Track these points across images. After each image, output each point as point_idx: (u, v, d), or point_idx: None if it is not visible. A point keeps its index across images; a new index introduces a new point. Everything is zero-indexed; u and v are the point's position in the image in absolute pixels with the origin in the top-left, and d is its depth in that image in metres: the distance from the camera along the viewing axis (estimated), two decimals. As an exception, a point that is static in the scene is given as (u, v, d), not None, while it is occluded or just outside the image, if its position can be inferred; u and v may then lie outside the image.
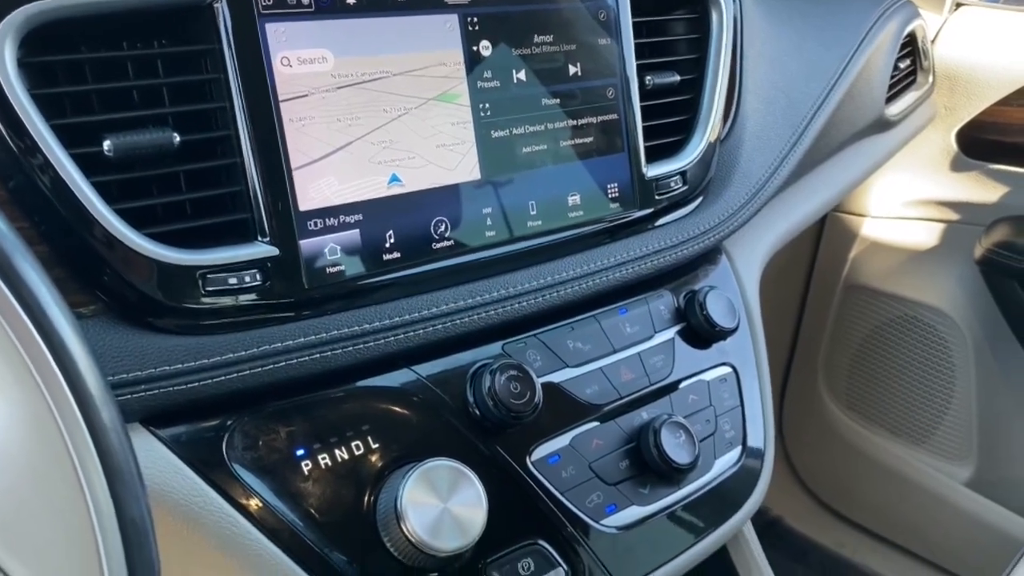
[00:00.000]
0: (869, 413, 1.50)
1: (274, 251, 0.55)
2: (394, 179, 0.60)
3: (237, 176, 0.54)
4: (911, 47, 1.16)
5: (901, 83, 1.17)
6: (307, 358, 0.56)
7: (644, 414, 0.69)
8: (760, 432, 0.76)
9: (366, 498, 0.56)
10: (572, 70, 0.68)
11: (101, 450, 0.31)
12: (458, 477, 0.56)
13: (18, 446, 0.30)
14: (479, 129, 0.63)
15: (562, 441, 0.65)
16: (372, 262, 0.59)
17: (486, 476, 0.58)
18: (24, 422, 0.30)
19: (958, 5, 1.28)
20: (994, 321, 1.35)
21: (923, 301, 1.38)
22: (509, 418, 0.61)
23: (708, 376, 0.75)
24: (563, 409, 0.66)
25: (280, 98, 0.55)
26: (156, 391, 0.51)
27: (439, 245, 0.62)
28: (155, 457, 0.52)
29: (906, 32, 1.10)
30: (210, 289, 0.53)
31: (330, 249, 0.57)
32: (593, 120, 0.69)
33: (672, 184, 0.75)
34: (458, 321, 0.62)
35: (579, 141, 0.69)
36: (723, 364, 0.76)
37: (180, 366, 0.52)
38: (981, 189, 1.33)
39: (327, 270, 0.57)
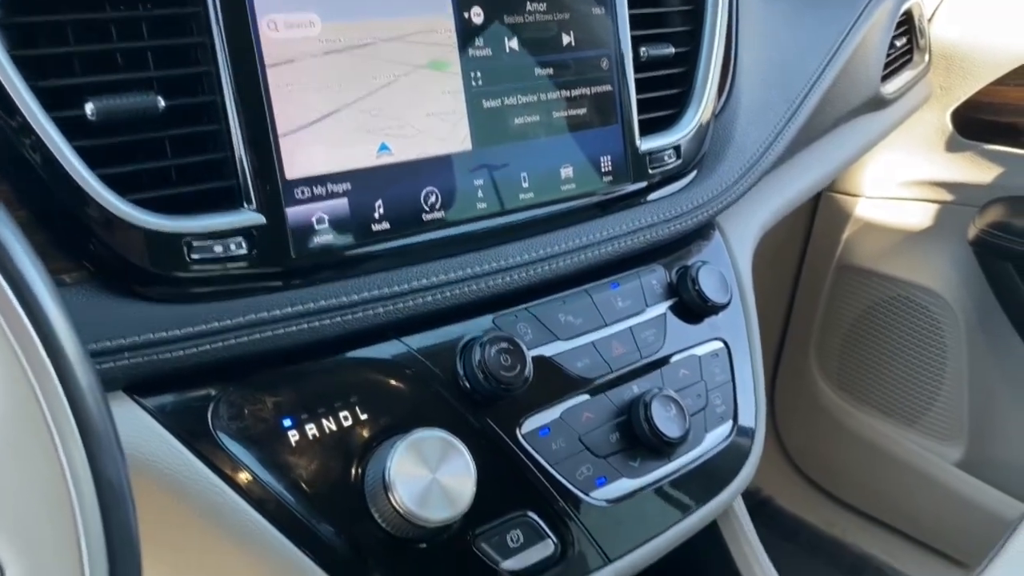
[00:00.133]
0: (860, 394, 1.50)
1: (260, 219, 0.54)
2: (383, 148, 0.59)
3: (223, 142, 0.53)
4: (907, 25, 1.16)
5: (897, 62, 1.17)
6: (294, 328, 0.55)
7: (635, 388, 0.69)
8: (751, 407, 0.75)
9: (354, 469, 0.56)
10: (565, 40, 0.67)
11: (77, 411, 0.31)
12: (447, 448, 0.56)
13: None
14: (470, 98, 0.62)
15: (552, 414, 0.64)
16: (361, 232, 0.58)
17: (475, 448, 0.57)
18: None
19: (955, -17, 1.27)
20: (987, 302, 1.35)
21: (916, 282, 1.38)
22: (499, 390, 0.60)
23: (699, 351, 0.74)
24: (554, 382, 0.65)
25: (267, 63, 0.54)
26: (140, 359, 0.50)
27: (429, 216, 0.61)
28: (139, 426, 0.51)
29: (903, 10, 1.10)
30: (195, 257, 0.52)
31: (317, 218, 0.56)
32: (586, 91, 0.68)
33: (666, 158, 0.74)
34: (448, 293, 0.61)
35: (572, 112, 0.68)
36: (715, 339, 0.75)
37: (164, 334, 0.51)
38: (976, 170, 1.32)
39: (314, 239, 0.56)
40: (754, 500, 1.62)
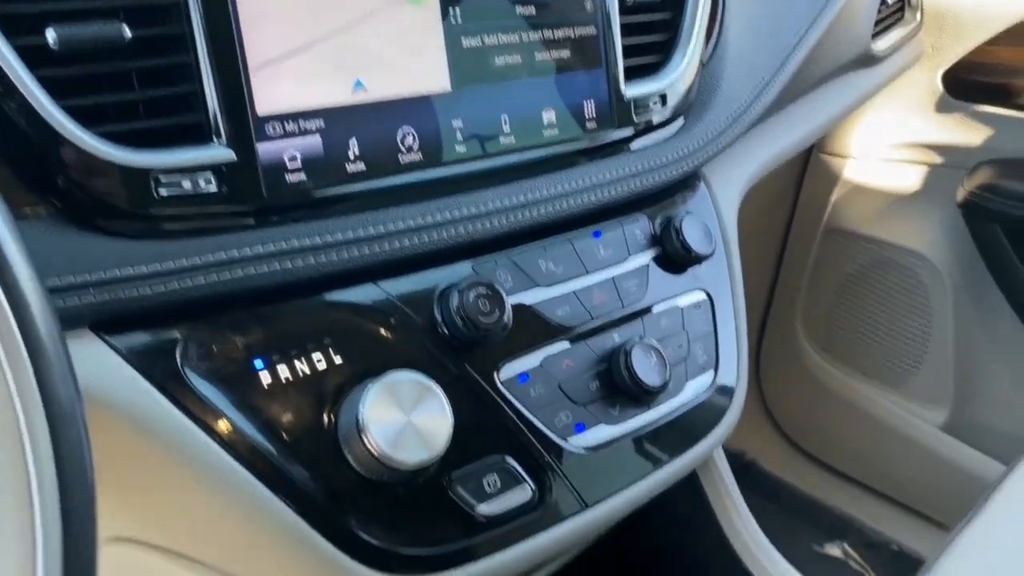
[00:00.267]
0: (846, 357, 1.50)
1: (230, 155, 0.52)
2: (358, 85, 0.58)
3: (191, 75, 0.52)
4: (900, -18, 1.14)
5: (888, 19, 1.15)
6: (266, 268, 0.54)
7: (616, 337, 0.68)
8: (733, 358, 0.75)
9: (327, 411, 0.55)
10: (548, -22, 0.65)
11: (24, 328, 0.29)
12: (422, 391, 0.55)
13: None
14: (449, 36, 0.60)
15: (532, 361, 0.63)
16: (334, 172, 0.57)
17: (453, 393, 0.56)
18: None
19: (949, -60, 1.25)
20: (974, 266, 1.34)
21: (903, 245, 1.37)
22: (478, 336, 0.59)
23: (682, 302, 0.73)
24: (533, 329, 0.64)
25: (236, -8, 0.52)
26: (106, 296, 0.49)
27: (406, 158, 0.60)
28: (105, 365, 0.50)
29: (895, -35, 1.08)
30: (163, 193, 0.51)
31: (290, 156, 0.55)
32: (570, 33, 0.67)
33: (651, 105, 0.72)
34: (425, 238, 0.60)
35: (555, 55, 0.66)
36: (698, 290, 0.75)
37: (131, 271, 0.50)
38: (966, 131, 1.31)
39: (287, 178, 0.55)
40: (738, 463, 1.63)
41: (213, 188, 0.52)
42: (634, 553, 0.95)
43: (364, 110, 0.57)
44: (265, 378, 0.53)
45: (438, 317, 0.60)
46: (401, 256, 0.59)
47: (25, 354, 0.30)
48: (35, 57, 0.47)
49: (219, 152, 0.52)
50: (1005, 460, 1.38)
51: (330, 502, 0.54)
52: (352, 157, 0.57)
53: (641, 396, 0.66)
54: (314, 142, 0.56)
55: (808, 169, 1.48)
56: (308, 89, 0.55)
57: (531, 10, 0.64)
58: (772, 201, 1.48)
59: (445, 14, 0.60)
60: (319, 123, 0.56)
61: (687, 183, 0.79)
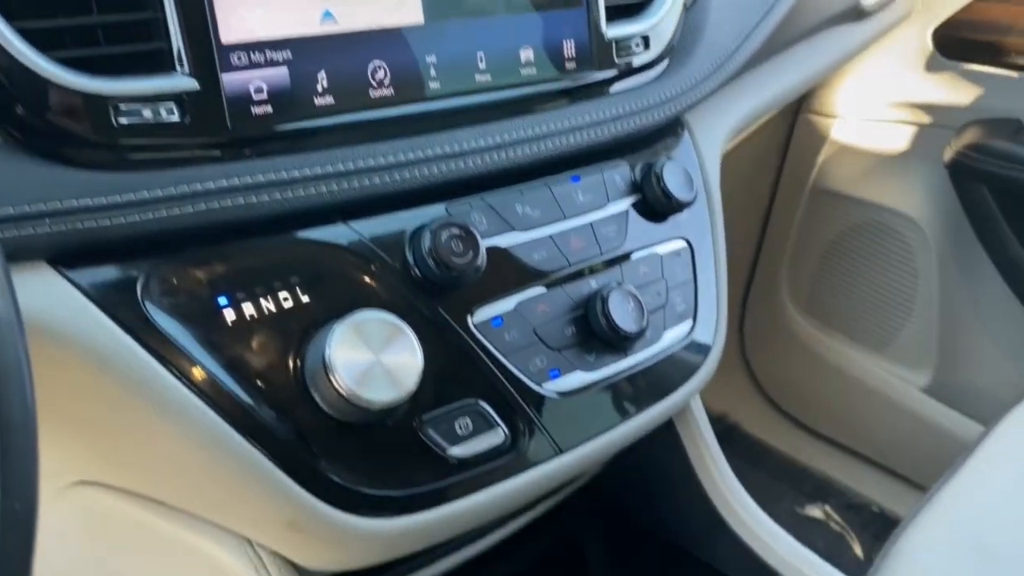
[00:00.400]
0: (831, 320, 1.50)
1: (193, 84, 0.51)
2: (327, 16, 0.56)
3: (153, 0, 0.50)
4: (891, -66, 1.12)
5: (879, -27, 1.13)
6: (230, 203, 0.52)
7: (593, 283, 0.67)
8: (712, 308, 0.74)
9: (294, 351, 0.53)
10: (526, -91, 0.63)
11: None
12: (391, 330, 0.53)
13: None
14: (422, -33, 0.58)
15: (506, 305, 0.62)
16: (302, 105, 0.55)
17: (425, 335, 0.55)
18: None
19: None
20: (960, 227, 1.33)
21: (890, 206, 1.36)
22: (450, 278, 0.58)
23: (661, 249, 0.72)
24: (508, 273, 0.63)
25: (198, -89, 0.50)
26: (63, 227, 0.47)
27: (377, 93, 0.58)
28: (63, 299, 0.49)
29: (887, -84, 1.06)
30: (123, 122, 0.49)
31: (256, 87, 0.53)
32: (548, -31, 0.65)
33: (633, 47, 0.71)
34: (397, 176, 0.58)
35: (533, -9, 0.64)
36: (678, 238, 0.73)
37: (89, 202, 0.48)
38: (955, 91, 1.30)
39: (252, 110, 0.53)
40: (721, 426, 1.63)
41: (175, 118, 0.51)
42: (613, 502, 0.95)
43: (333, 42, 0.56)
44: (229, 315, 0.52)
45: (410, 259, 0.58)
46: (372, 195, 0.58)
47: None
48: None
49: (181, 81, 0.51)
50: (987, 422, 1.38)
51: (297, 442, 0.53)
52: (320, 90, 0.56)
53: (618, 342, 0.65)
54: (281, 73, 0.54)
55: (795, 129, 1.46)
56: (275, 18, 0.53)
57: (508, -57, 0.62)
58: (758, 162, 1.47)
59: (418, -57, 0.58)
60: (286, 54, 0.54)
61: (669, 130, 0.77)
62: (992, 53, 1.27)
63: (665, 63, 0.74)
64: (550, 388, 0.63)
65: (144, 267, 0.51)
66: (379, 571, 0.81)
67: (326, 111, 0.56)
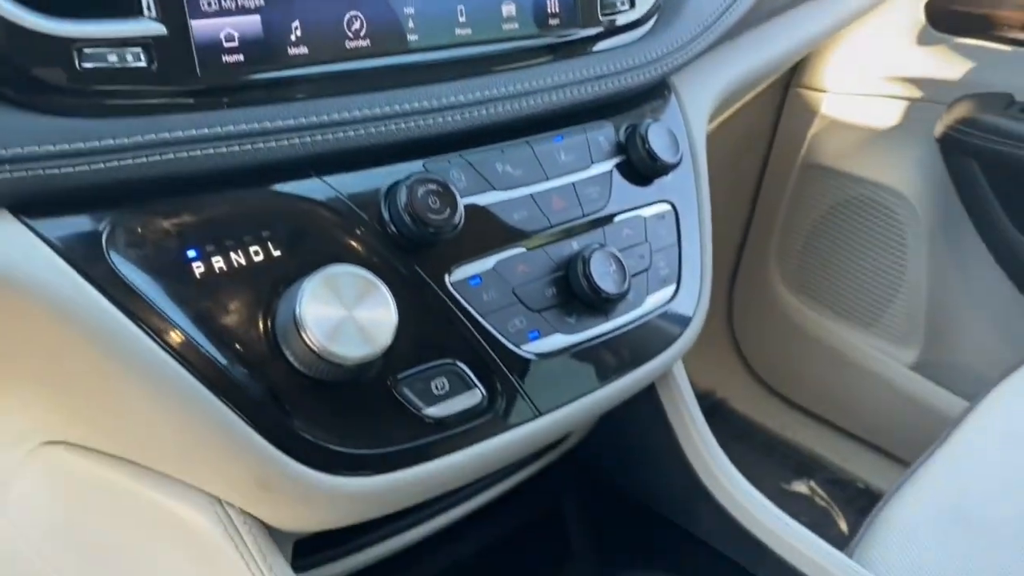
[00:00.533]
0: (819, 296, 1.49)
1: (161, 29, 0.49)
2: (301, -39, 0.54)
3: (119, -59, 0.48)
4: (885, -98, 1.10)
5: (872, -59, 1.12)
6: (199, 153, 0.51)
7: (575, 244, 0.65)
8: (696, 273, 0.73)
9: (264, 305, 0.52)
10: None
11: None
12: (364, 285, 0.52)
13: None
14: (400, -86, 0.57)
15: (485, 264, 0.61)
16: (276, 54, 0.54)
17: (400, 293, 0.54)
18: None
19: None
20: (950, 203, 1.33)
21: (880, 181, 1.36)
22: (427, 235, 0.57)
23: (645, 212, 0.71)
24: (487, 232, 0.62)
25: None
26: (24, 173, 0.46)
27: (353, 44, 0.57)
28: (25, 248, 0.47)
29: None
30: (87, 66, 0.48)
31: (226, 35, 0.52)
32: (531, -78, 0.63)
33: (618, 4, 0.69)
34: (373, 130, 0.57)
35: (515, -56, 0.62)
36: (662, 201, 0.72)
37: (52, 147, 0.47)
38: (947, 65, 1.29)
39: (223, 58, 0.52)
40: (708, 402, 1.63)
41: (142, 64, 0.49)
42: (595, 470, 0.94)
43: (308, -11, 0.54)
44: (198, 268, 0.51)
45: (386, 215, 0.57)
46: (347, 149, 0.56)
47: None
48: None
49: (148, 26, 0.49)
50: (973, 399, 1.38)
51: (268, 399, 0.52)
52: (294, 40, 0.54)
53: (599, 304, 0.64)
54: (253, 21, 0.53)
55: (785, 104, 1.45)
56: (246, -38, 0.52)
57: None
58: (748, 136, 1.46)
59: None
60: (258, 1, 0.53)
61: (655, 92, 0.76)
62: (984, 26, 1.26)
63: (651, 23, 0.73)
64: (529, 350, 0.61)
65: (110, 217, 0.49)
66: (354, 535, 0.80)
67: (300, 61, 0.55)
